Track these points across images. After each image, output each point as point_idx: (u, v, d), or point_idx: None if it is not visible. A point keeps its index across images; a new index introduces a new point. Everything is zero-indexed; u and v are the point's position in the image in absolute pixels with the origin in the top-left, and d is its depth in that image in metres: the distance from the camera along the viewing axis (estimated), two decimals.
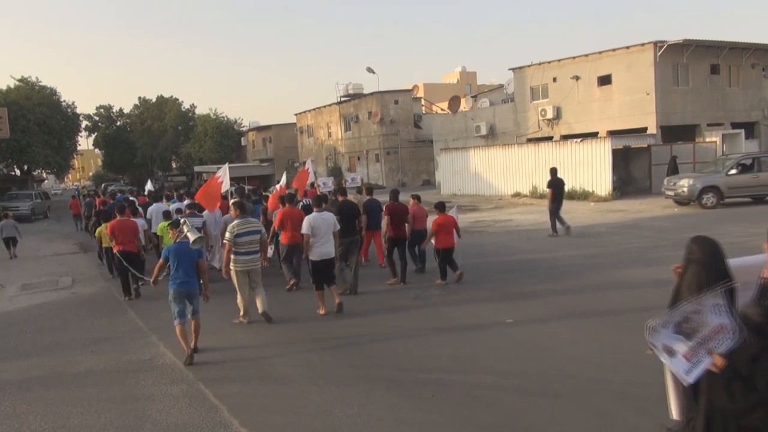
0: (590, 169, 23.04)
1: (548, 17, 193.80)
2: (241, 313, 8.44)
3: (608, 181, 22.49)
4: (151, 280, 7.62)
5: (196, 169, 53.49)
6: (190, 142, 59.29)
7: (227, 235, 8.19)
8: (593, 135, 25.83)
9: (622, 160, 24.46)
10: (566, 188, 16.02)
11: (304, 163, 18.86)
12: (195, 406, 5.63)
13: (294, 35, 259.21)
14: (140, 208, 13.16)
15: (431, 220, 10.31)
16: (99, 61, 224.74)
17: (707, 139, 24.79)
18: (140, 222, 11.18)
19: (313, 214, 8.80)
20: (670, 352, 2.77)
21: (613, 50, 26.24)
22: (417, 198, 10.96)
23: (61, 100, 46.61)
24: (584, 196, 22.64)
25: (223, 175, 11.81)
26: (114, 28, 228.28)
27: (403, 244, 10.53)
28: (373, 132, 41.62)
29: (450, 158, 31.06)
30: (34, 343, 8.16)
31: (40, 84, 45.07)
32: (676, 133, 25.40)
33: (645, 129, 25.06)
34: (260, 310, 8.27)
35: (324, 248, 8.61)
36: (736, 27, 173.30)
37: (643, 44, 25.06)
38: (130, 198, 17.97)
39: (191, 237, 7.05)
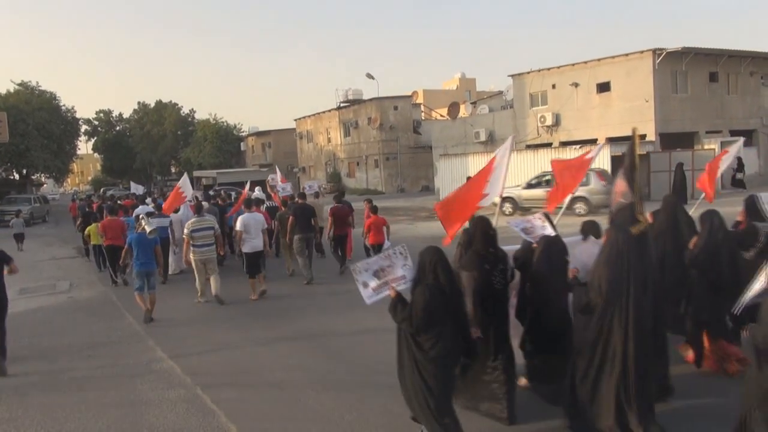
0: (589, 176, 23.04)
1: (548, 24, 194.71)
2: (199, 294, 10.17)
3: (607, 188, 22.50)
4: (120, 262, 10.32)
5: (196, 174, 53.45)
6: (189, 147, 59.31)
7: (185, 230, 10.12)
8: (592, 142, 25.88)
9: (620, 167, 24.47)
10: None
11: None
12: (192, 411, 5.61)
13: (294, 41, 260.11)
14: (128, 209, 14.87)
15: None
16: (99, 65, 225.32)
17: (706, 147, 24.85)
18: (129, 220, 12.44)
19: (245, 214, 10.48)
20: (365, 285, 4.59)
21: (612, 57, 26.32)
22: (370, 201, 12.19)
23: (61, 104, 46.70)
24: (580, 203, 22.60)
25: (184, 185, 13.25)
26: (114, 32, 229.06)
27: (343, 241, 12.07)
28: (373, 138, 41.67)
29: (449, 164, 31.06)
30: (31, 348, 8.14)
31: (40, 88, 45.17)
32: (674, 140, 25.46)
33: (644, 136, 25.11)
34: (213, 293, 9.93)
35: (254, 242, 10.22)
36: (734, 35, 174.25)
37: (642, 52, 25.15)
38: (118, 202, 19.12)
39: (148, 229, 9.15)
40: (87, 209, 17.45)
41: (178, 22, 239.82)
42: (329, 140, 47.37)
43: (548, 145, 28.46)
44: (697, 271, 5.66)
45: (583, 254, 4.79)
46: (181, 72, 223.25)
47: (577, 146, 24.48)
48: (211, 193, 18.57)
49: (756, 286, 3.87)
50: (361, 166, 43.45)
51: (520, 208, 21.27)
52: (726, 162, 7.78)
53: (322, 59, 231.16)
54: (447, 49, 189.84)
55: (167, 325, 8.99)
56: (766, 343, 3.36)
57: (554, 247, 5.06)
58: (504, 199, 19.77)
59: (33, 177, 47.76)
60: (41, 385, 6.60)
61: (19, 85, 44.09)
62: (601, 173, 19.97)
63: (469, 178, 6.62)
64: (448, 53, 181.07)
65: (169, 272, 12.59)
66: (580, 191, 14.34)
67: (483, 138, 32.33)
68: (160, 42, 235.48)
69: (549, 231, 5.27)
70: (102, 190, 56.01)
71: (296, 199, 12.99)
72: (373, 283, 4.56)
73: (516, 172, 26.55)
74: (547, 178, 21.19)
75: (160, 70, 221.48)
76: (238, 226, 10.31)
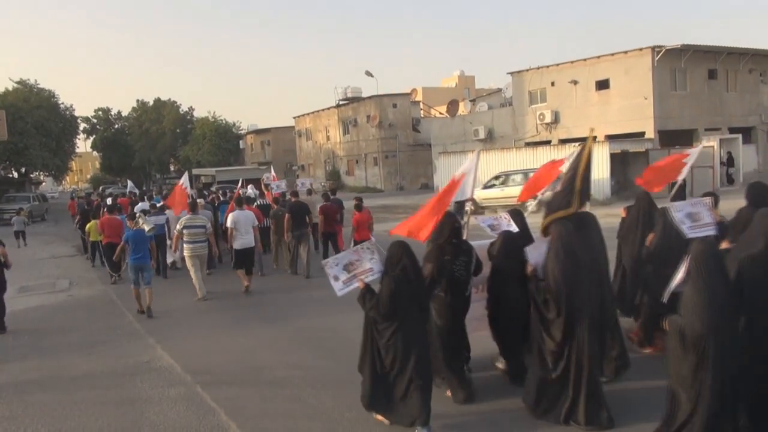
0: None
1: (547, 22, 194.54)
2: (198, 291, 10.31)
3: (606, 186, 22.52)
4: (114, 257, 10.84)
5: (195, 172, 53.43)
6: (188, 145, 59.25)
7: (178, 226, 10.58)
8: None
9: (620, 164, 24.49)
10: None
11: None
12: (193, 409, 5.61)
13: (293, 38, 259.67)
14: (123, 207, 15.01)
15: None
16: (97, 63, 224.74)
17: (705, 144, 24.84)
18: (123, 218, 12.30)
19: (236, 212, 10.90)
20: (336, 278, 4.98)
21: (612, 55, 26.29)
22: (359, 200, 12.21)
23: (60, 102, 46.61)
24: None
25: (186, 183, 13.77)
26: (113, 30, 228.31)
27: (333, 237, 12.40)
28: (372, 136, 41.64)
29: (448, 162, 31.03)
30: (31, 346, 8.14)
31: (39, 86, 45.07)
32: (673, 137, 25.45)
33: (643, 133, 25.12)
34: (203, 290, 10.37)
35: (245, 239, 10.63)
36: (734, 32, 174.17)
37: (641, 49, 25.12)
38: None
39: (146, 227, 9.56)
40: (86, 207, 17.91)
41: (176, 19, 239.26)
42: (328, 138, 47.33)
43: (547, 142, 28.45)
44: (653, 266, 5.89)
45: (535, 251, 5.05)
46: (180, 70, 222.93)
47: (576, 143, 24.49)
48: (205, 192, 19.22)
49: (678, 276, 4.24)
50: (360, 164, 43.43)
51: (480, 207, 21.36)
52: (687, 166, 7.78)
53: (321, 57, 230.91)
54: (446, 46, 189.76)
55: (167, 323, 9.00)
56: (691, 332, 3.87)
57: (512, 242, 5.49)
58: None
59: (32, 175, 47.72)
60: (41, 383, 6.61)
61: (18, 83, 44.01)
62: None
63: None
64: (447, 51, 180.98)
65: (168, 260, 12.88)
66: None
67: (482, 135, 32.32)
68: (159, 40, 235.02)
69: (513, 228, 5.78)
70: (101, 188, 55.99)
71: (289, 197, 13.80)
72: (343, 276, 4.99)
73: (515, 170, 26.61)
74: (502, 179, 23.10)
75: (159, 68, 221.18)
76: (229, 223, 10.80)
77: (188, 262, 10.52)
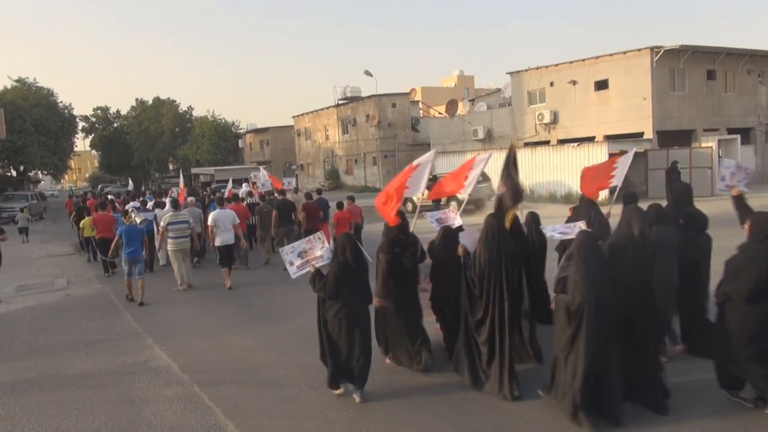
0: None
1: (546, 22, 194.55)
2: (179, 282, 11.14)
3: None
4: (109, 252, 10.99)
5: (193, 171, 53.40)
6: (187, 144, 59.18)
7: (162, 223, 11.28)
8: (590, 139, 25.88)
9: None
10: (563, 192, 17.05)
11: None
12: (190, 409, 5.61)
13: (292, 38, 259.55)
14: (118, 206, 16.38)
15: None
16: (96, 62, 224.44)
17: (703, 145, 24.87)
18: (117, 216, 13.34)
19: (216, 210, 11.61)
20: (291, 264, 5.77)
21: (610, 55, 26.29)
22: (351, 198, 12.94)
23: (58, 101, 46.50)
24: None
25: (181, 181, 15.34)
26: (111, 29, 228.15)
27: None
28: (371, 135, 41.61)
29: (447, 162, 31.04)
30: (29, 345, 8.13)
31: (37, 85, 44.98)
32: (672, 138, 25.46)
33: (642, 134, 25.11)
34: (185, 278, 11.19)
35: (225, 236, 11.21)
36: (732, 33, 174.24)
37: (639, 49, 25.12)
38: (110, 197, 21.76)
39: (138, 220, 10.51)
40: (81, 204, 18.87)
41: (176, 19, 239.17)
42: (327, 137, 47.30)
43: (546, 142, 28.46)
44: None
45: (466, 238, 5.91)
46: (179, 69, 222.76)
47: (575, 144, 24.51)
48: (198, 191, 20.58)
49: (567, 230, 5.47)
50: (359, 164, 43.41)
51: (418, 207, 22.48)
52: (622, 171, 8.30)
53: (321, 56, 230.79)
54: (445, 46, 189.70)
55: (164, 322, 9.00)
56: (571, 305, 4.70)
57: (451, 236, 6.34)
58: (405, 200, 20.09)
59: (30, 174, 47.65)
60: (38, 383, 6.60)
61: (17, 81, 43.93)
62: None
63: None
64: (446, 51, 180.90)
65: (161, 263, 13.50)
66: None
67: (481, 135, 32.30)
68: (158, 39, 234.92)
69: (459, 221, 6.72)
70: (99, 187, 55.93)
71: (275, 195, 14.84)
72: (298, 261, 5.81)
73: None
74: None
75: (158, 67, 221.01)
76: (209, 221, 11.48)
77: (171, 256, 11.30)
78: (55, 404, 5.92)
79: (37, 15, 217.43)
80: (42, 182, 63.42)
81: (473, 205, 18.50)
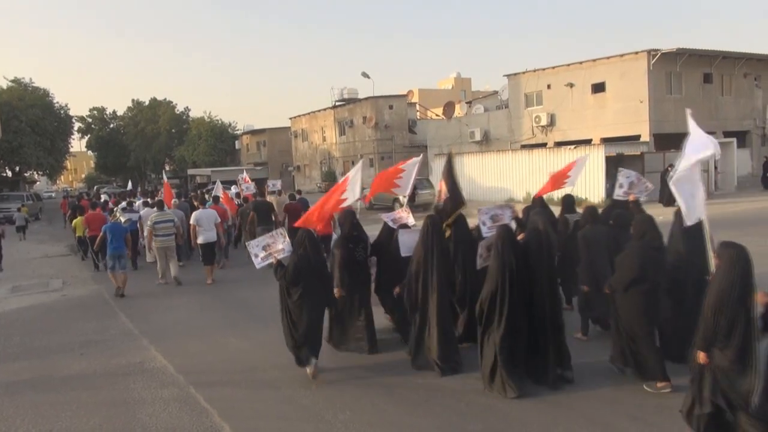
0: (583, 176, 22.99)
1: (543, 24, 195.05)
2: (160, 275, 11.84)
3: (601, 188, 22.54)
4: (95, 247, 12.57)
5: (190, 172, 53.29)
6: (183, 145, 59.04)
7: (148, 222, 11.93)
8: (587, 142, 25.93)
9: (615, 167, 24.49)
10: (560, 194, 16.99)
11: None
12: (185, 410, 5.58)
13: (289, 39, 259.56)
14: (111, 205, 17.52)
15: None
16: (92, 63, 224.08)
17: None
18: (108, 215, 14.13)
19: (199, 210, 12.28)
20: (256, 256, 6.43)
21: (607, 58, 26.38)
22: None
23: (54, 101, 46.39)
24: (577, 202, 22.67)
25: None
26: (108, 30, 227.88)
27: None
28: (368, 137, 41.61)
29: (444, 164, 31.13)
30: (23, 346, 8.09)
31: (33, 85, 44.87)
32: (669, 141, 25.51)
33: (638, 137, 25.18)
34: (172, 275, 11.69)
35: (207, 234, 11.78)
36: (729, 37, 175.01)
37: (636, 52, 25.22)
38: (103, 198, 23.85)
39: (123, 219, 11.78)
40: (76, 203, 19.60)
41: (173, 20, 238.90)
42: (324, 139, 47.27)
43: (543, 145, 28.51)
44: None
45: (405, 236, 6.70)
46: (176, 70, 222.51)
47: (572, 146, 24.55)
48: (191, 192, 21.78)
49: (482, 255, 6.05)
50: (356, 165, 43.40)
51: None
52: (576, 173, 9.36)
53: (318, 58, 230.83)
54: (442, 48, 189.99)
55: (160, 323, 8.96)
56: (487, 293, 5.53)
57: (389, 233, 7.11)
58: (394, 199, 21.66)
59: (26, 174, 47.51)
60: (33, 384, 6.56)
61: (12, 81, 43.80)
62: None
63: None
64: (443, 53, 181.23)
65: (147, 260, 13.99)
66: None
67: (478, 138, 32.35)
68: (155, 40, 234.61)
69: (412, 220, 7.27)
70: (95, 188, 55.76)
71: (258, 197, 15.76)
72: (262, 253, 6.47)
73: (511, 172, 26.69)
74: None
75: (155, 68, 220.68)
76: (192, 220, 12.06)
77: (156, 253, 12.07)
78: (50, 405, 5.88)
79: (33, 15, 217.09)
80: (38, 183, 63.21)
81: (422, 208, 19.60)
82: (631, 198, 7.64)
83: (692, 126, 5.98)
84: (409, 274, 6.30)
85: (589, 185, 22.92)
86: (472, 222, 7.24)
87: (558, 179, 9.40)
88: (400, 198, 8.40)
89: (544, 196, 8.91)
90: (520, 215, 7.53)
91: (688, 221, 5.54)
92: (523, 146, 29.42)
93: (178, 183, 53.84)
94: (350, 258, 6.78)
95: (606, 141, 25.42)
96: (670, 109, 25.70)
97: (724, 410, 4.06)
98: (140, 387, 6.27)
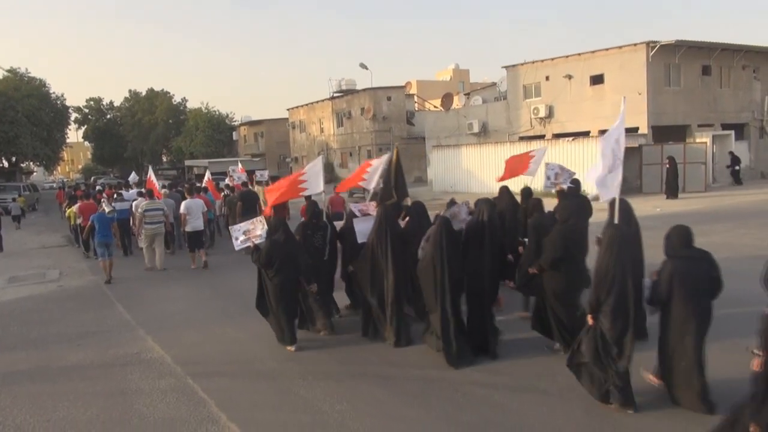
0: (581, 168, 22.93)
1: (542, 16, 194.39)
2: (146, 261, 12.47)
3: None
4: (83, 235, 13.75)
5: (187, 163, 53.14)
6: (181, 136, 58.87)
7: (139, 210, 12.63)
8: (585, 134, 25.89)
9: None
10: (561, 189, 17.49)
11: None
12: (183, 401, 5.59)
13: (287, 30, 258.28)
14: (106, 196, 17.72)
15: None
16: (89, 53, 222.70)
17: (698, 140, 24.95)
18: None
19: (188, 200, 12.77)
20: (236, 239, 7.19)
21: (606, 50, 26.27)
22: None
23: (51, 91, 46.18)
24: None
25: (151, 174, 17.62)
26: (104, 19, 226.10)
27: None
28: (366, 128, 41.52)
29: (442, 155, 31.03)
30: (20, 336, 8.09)
31: (29, 75, 44.66)
32: (667, 133, 25.51)
33: (636, 129, 25.13)
34: (157, 261, 12.42)
35: (195, 223, 12.38)
36: (728, 29, 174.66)
37: (635, 44, 25.12)
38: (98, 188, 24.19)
39: (107, 209, 12.12)
40: (72, 193, 20.25)
41: (170, 10, 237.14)
42: (322, 130, 47.15)
43: (541, 137, 28.46)
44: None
45: (361, 224, 7.34)
46: (173, 60, 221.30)
47: (570, 138, 24.52)
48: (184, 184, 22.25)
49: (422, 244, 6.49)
50: (353, 157, 43.30)
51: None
52: (536, 165, 9.58)
53: (316, 49, 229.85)
54: (441, 39, 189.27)
55: (157, 314, 8.96)
56: (430, 269, 6.16)
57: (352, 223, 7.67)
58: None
59: (22, 165, 47.34)
60: (30, 374, 6.57)
61: (8, 71, 43.59)
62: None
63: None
64: (441, 44, 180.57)
65: (140, 246, 14.00)
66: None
67: (476, 129, 32.27)
68: (152, 30, 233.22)
69: (372, 212, 7.74)
70: (92, 178, 55.62)
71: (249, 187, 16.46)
72: (242, 237, 7.22)
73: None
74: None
75: (152, 58, 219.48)
76: (182, 209, 12.59)
77: (144, 240, 12.60)
78: (47, 396, 5.89)
79: (28, 4, 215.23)
80: (35, 173, 63.05)
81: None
82: (557, 188, 8.23)
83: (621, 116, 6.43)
84: (362, 256, 6.97)
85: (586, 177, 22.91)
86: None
87: (515, 167, 9.82)
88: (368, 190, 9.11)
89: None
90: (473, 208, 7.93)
91: (603, 197, 6.15)
92: (522, 138, 29.36)
93: (175, 174, 53.73)
94: (308, 243, 7.42)
95: (604, 133, 25.34)
96: (668, 102, 25.66)
97: (599, 362, 4.84)
98: (138, 377, 6.28)
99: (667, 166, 21.71)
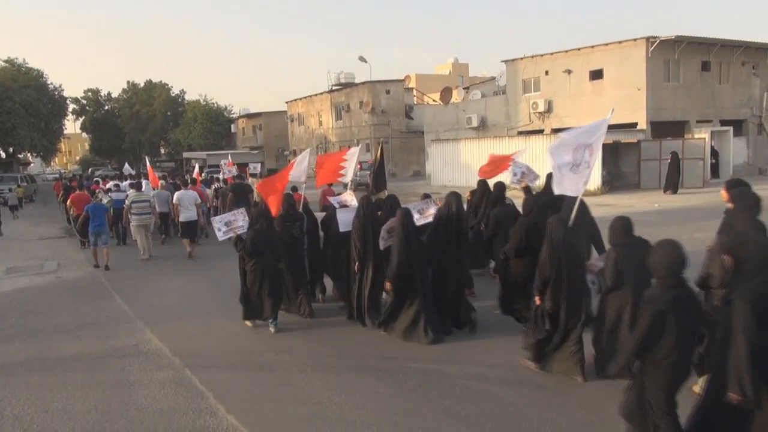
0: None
1: (541, 10, 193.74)
2: (141, 252, 12.93)
3: (597, 176, 22.55)
4: (77, 225, 13.70)
5: (185, 155, 53.05)
6: (179, 128, 58.73)
7: (126, 202, 13.18)
8: None
9: (611, 154, 24.54)
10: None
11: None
12: (181, 392, 5.61)
13: (286, 22, 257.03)
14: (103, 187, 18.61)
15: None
16: (86, 44, 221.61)
17: (696, 136, 24.96)
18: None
19: (180, 191, 13.46)
20: (219, 230, 7.54)
21: (606, 45, 26.22)
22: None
23: (48, 82, 45.99)
24: None
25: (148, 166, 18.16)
26: (102, 11, 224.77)
27: None
28: (364, 122, 41.45)
29: (441, 149, 31.01)
30: (19, 327, 8.09)
31: (27, 66, 44.44)
32: (665, 129, 25.50)
33: (635, 124, 25.13)
34: (146, 249, 12.94)
35: (188, 213, 12.91)
36: (727, 25, 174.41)
37: (635, 39, 25.07)
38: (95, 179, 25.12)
39: (104, 200, 13.00)
40: (68, 184, 20.91)
41: (169, 1, 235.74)
42: (321, 123, 47.07)
43: (540, 131, 28.45)
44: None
45: (343, 214, 7.68)
46: (172, 52, 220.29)
47: None
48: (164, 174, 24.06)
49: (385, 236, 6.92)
50: None
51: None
52: (517, 161, 9.99)
53: (315, 41, 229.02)
54: (440, 33, 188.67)
55: (155, 306, 8.96)
56: (395, 264, 6.65)
57: (333, 213, 8.10)
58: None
59: (20, 156, 47.19)
60: (28, 365, 6.57)
61: (6, 62, 43.37)
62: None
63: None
64: (441, 38, 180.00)
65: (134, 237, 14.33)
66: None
67: (475, 123, 32.23)
68: (151, 21, 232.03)
69: (354, 203, 8.18)
70: (90, 170, 55.50)
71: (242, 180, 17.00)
72: (224, 228, 7.57)
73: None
74: None
75: (150, 49, 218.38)
76: (174, 200, 13.23)
77: (134, 231, 13.07)
78: (45, 387, 5.90)
79: None
80: (32, 165, 62.84)
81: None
82: (522, 185, 8.85)
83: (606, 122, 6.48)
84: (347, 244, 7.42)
85: None
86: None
87: (496, 166, 10.34)
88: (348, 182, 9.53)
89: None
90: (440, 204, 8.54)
91: (557, 189, 6.40)
92: (520, 132, 29.34)
93: (173, 166, 53.60)
94: (287, 233, 7.91)
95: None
96: (667, 97, 25.64)
97: (546, 341, 5.52)
98: (136, 369, 6.29)
99: (669, 161, 21.75)
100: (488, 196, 9.30)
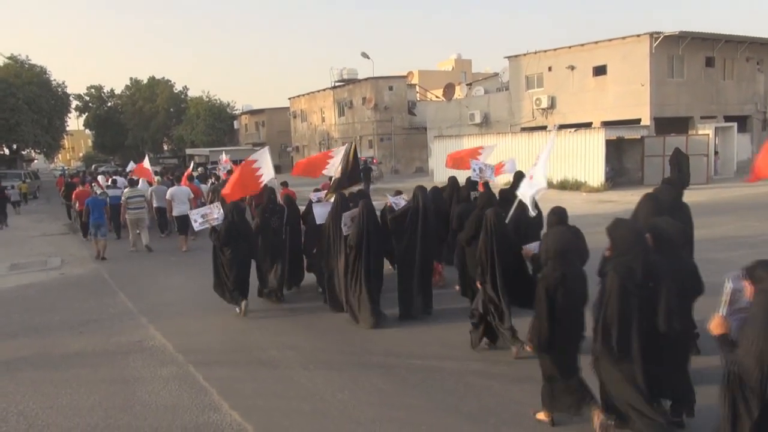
0: (583, 160, 23.03)
1: (545, 6, 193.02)
2: (131, 244, 13.62)
3: (601, 172, 22.50)
4: (82, 219, 14.65)
5: (188, 151, 53.02)
6: (182, 125, 58.67)
7: (122, 197, 13.92)
8: (587, 125, 25.80)
9: (615, 150, 24.46)
10: (560, 178, 17.60)
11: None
12: (185, 389, 5.62)
13: (289, 19, 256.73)
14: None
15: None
16: (90, 41, 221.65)
17: (700, 132, 24.87)
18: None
19: (174, 187, 14.53)
20: (195, 221, 8.29)
21: (609, 40, 26.11)
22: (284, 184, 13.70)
23: (51, 79, 45.99)
24: (576, 186, 22.62)
25: (146, 164, 18.18)
26: (105, 6, 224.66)
27: None
28: (367, 118, 41.38)
29: (443, 146, 30.91)
30: (23, 323, 8.12)
31: (30, 62, 44.45)
32: (669, 125, 25.42)
33: (639, 120, 25.04)
34: (144, 243, 13.52)
35: (181, 208, 13.55)
36: (731, 20, 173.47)
37: (639, 35, 24.96)
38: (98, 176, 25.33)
39: (98, 192, 14.08)
40: (69, 180, 21.76)
41: None
42: (323, 120, 47.00)
43: (543, 128, 28.37)
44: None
45: (320, 209, 8.20)
46: (175, 49, 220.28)
47: (572, 129, 24.44)
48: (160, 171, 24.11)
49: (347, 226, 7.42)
50: None
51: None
52: (485, 157, 11.14)
53: (318, 38, 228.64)
54: (443, 29, 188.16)
55: (159, 302, 8.99)
56: (352, 248, 7.29)
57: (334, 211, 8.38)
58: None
59: (23, 152, 47.28)
60: (32, 361, 6.60)
61: (9, 58, 43.39)
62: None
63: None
64: (444, 34, 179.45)
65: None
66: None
67: (478, 120, 32.16)
68: (154, 18, 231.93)
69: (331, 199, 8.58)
70: (93, 166, 55.54)
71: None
72: (201, 219, 8.16)
73: (510, 155, 26.49)
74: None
75: (153, 46, 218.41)
76: (168, 196, 14.02)
77: (129, 225, 13.74)
78: (50, 383, 5.92)
79: None
80: (36, 161, 62.93)
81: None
82: (482, 180, 9.54)
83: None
84: (323, 236, 7.88)
85: (589, 169, 22.89)
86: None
87: (462, 159, 11.35)
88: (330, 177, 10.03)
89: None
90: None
91: (533, 212, 6.90)
92: (523, 129, 29.27)
93: (176, 163, 53.62)
94: (265, 225, 8.48)
95: (606, 124, 25.29)
96: (671, 93, 25.54)
97: (491, 327, 6.03)
98: (140, 365, 6.31)
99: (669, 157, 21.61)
100: (458, 192, 9.74)
